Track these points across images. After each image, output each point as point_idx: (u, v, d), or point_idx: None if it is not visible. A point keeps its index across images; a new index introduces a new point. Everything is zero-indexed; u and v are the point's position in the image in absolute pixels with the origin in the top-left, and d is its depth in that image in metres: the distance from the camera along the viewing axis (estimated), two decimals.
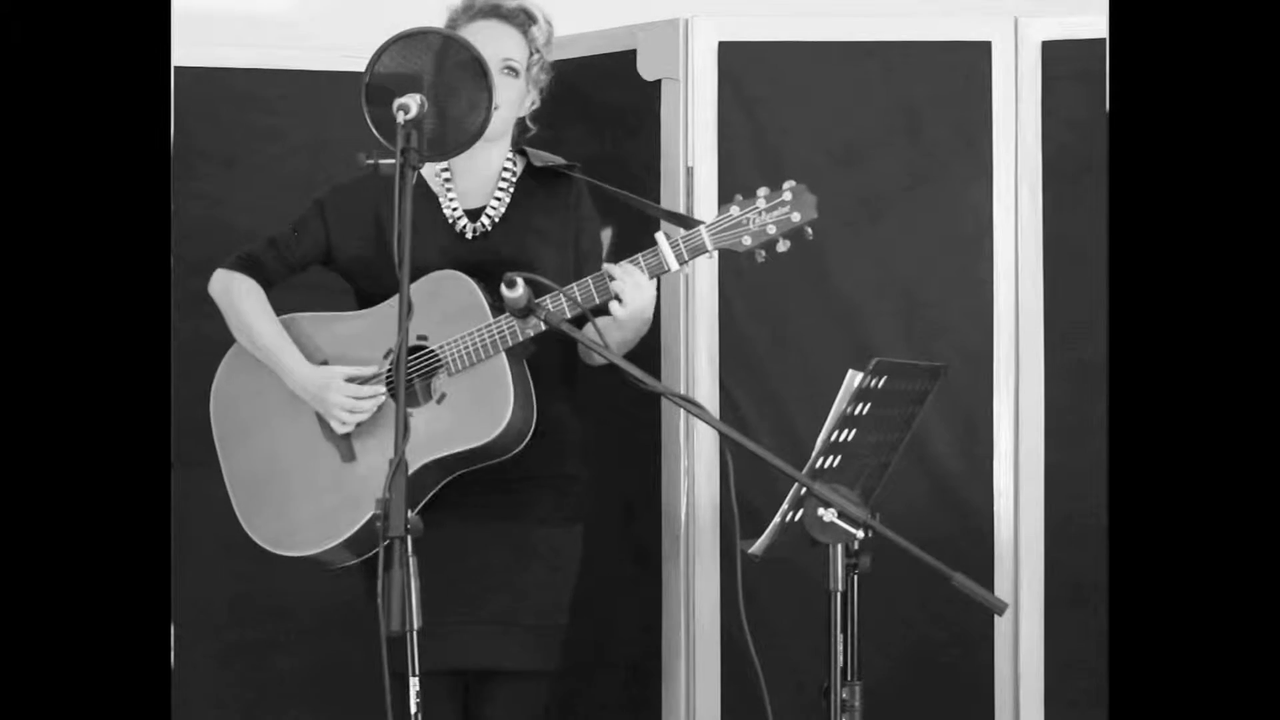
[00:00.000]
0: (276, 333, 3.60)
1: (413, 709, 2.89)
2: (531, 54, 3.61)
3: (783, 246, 3.38)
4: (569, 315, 3.37)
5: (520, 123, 3.66)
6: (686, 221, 3.47)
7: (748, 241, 3.38)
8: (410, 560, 2.83)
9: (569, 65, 4.21)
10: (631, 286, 3.40)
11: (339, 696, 4.23)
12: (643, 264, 3.41)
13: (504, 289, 3.29)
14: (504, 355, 3.43)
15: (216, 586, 4.21)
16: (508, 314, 3.39)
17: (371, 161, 3.18)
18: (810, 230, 3.38)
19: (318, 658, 4.27)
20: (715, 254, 3.40)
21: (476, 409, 3.43)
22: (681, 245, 3.40)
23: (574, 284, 3.41)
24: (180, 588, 3.91)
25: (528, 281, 3.29)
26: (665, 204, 4.09)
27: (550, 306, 3.36)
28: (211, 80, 4.28)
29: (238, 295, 3.63)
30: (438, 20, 3.58)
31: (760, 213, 3.37)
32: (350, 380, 3.52)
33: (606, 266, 3.42)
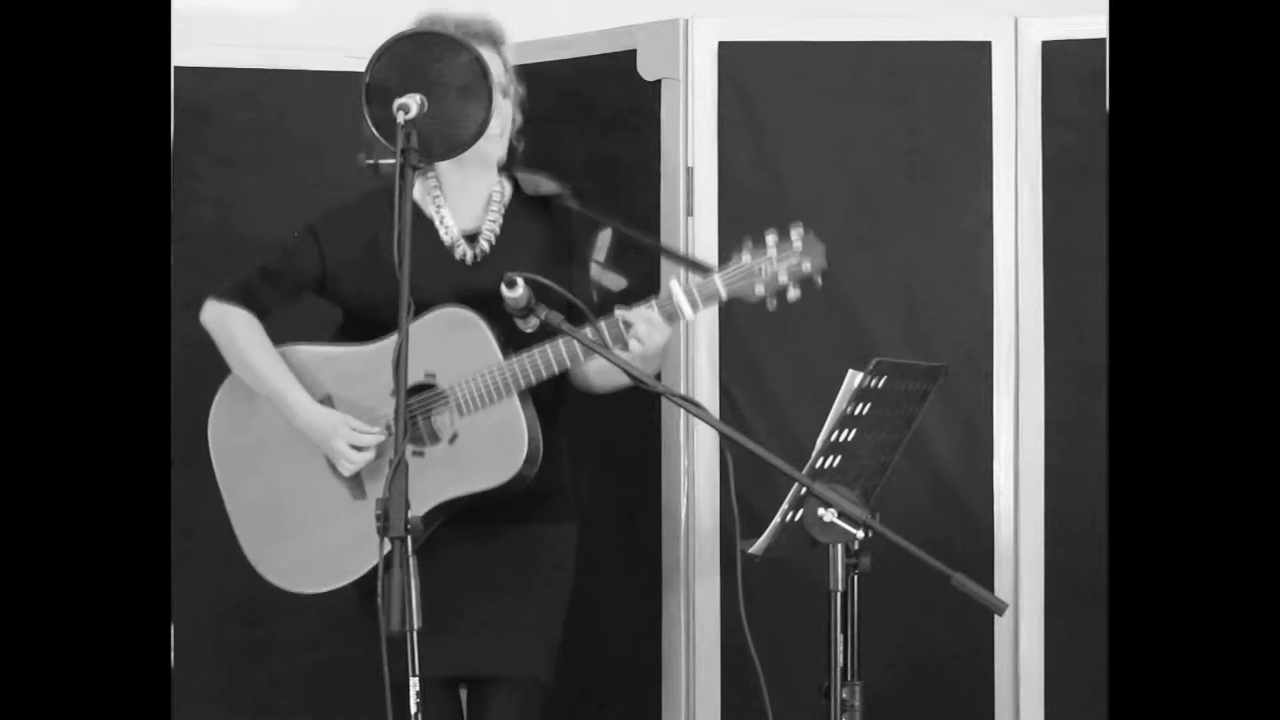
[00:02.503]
0: (279, 369, 3.58)
1: (413, 709, 2.89)
2: (505, 70, 3.61)
3: (794, 294, 3.43)
4: (584, 360, 3.41)
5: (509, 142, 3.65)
6: (675, 256, 3.49)
7: (760, 290, 3.42)
8: (411, 560, 2.83)
9: (569, 65, 4.22)
10: (646, 327, 3.40)
11: (339, 696, 4.23)
12: (658, 310, 3.42)
13: (504, 289, 3.28)
14: (516, 397, 3.43)
15: (216, 586, 4.21)
16: (518, 355, 3.40)
17: (371, 162, 3.18)
18: (820, 279, 3.42)
19: (318, 658, 4.27)
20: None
21: (491, 451, 3.44)
22: (695, 292, 3.43)
23: (587, 327, 3.38)
24: (180, 588, 3.91)
25: (527, 282, 3.29)
26: (665, 205, 4.10)
27: (565, 350, 3.37)
28: (211, 80, 4.28)
29: (235, 328, 3.60)
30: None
31: (772, 261, 3.41)
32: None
33: (620, 312, 3.42)
